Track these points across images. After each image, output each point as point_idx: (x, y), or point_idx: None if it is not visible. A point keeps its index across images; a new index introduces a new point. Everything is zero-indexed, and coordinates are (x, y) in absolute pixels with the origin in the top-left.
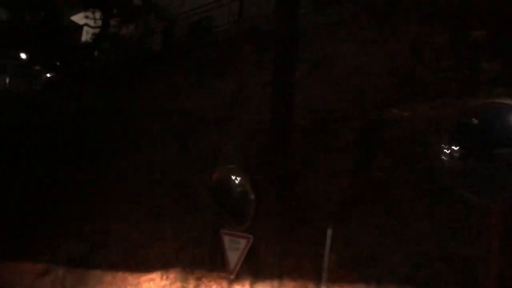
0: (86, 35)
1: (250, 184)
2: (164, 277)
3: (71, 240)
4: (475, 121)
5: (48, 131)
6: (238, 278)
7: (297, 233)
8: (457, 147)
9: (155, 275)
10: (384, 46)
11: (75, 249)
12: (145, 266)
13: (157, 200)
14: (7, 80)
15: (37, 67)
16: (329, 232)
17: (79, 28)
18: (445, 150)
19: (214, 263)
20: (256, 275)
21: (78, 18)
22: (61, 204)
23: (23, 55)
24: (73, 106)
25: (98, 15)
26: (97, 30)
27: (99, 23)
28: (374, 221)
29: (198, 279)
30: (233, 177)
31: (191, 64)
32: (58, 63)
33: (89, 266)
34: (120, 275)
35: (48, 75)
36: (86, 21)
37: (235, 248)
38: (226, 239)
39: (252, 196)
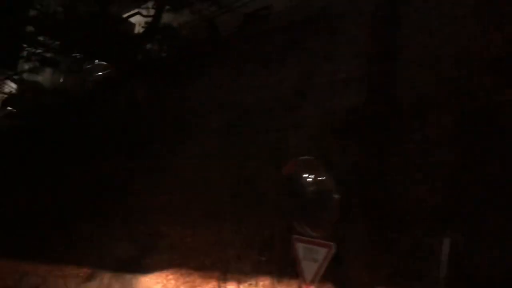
0: (138, 27)
1: (332, 181)
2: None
3: (118, 242)
4: None
5: (99, 127)
6: None
7: (392, 243)
8: None
9: (212, 285)
10: None
11: (123, 252)
12: (200, 274)
13: (214, 199)
14: (61, 78)
15: (89, 66)
16: (446, 242)
17: (131, 24)
18: None
19: (282, 274)
20: None
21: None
22: (109, 203)
23: (76, 53)
24: (124, 101)
25: (151, 3)
26: (149, 19)
27: (152, 12)
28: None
29: None
30: (309, 173)
31: (248, 54)
32: (110, 57)
33: (137, 271)
34: (172, 283)
35: (100, 73)
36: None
37: (313, 258)
38: (301, 247)
39: (336, 196)
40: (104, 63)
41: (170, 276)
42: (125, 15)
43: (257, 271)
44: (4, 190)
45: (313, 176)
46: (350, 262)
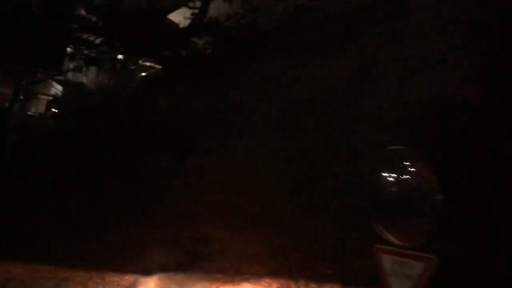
0: (184, 21)
1: (428, 179)
2: None
3: (163, 247)
4: None
5: (142, 127)
6: None
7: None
8: None
9: None
10: None
11: (169, 258)
12: (254, 284)
13: (266, 201)
14: (105, 79)
15: (133, 67)
16: None
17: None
18: None
19: None
20: None
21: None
22: (153, 204)
23: (120, 49)
24: (168, 99)
25: None
26: (195, 11)
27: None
28: None
29: None
30: (393, 168)
31: (301, 45)
32: (154, 53)
33: (185, 280)
34: None
35: (143, 73)
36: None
37: (404, 273)
38: (388, 260)
39: (437, 198)
40: (148, 64)
41: (221, 287)
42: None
43: (321, 286)
44: (44, 192)
45: (402, 172)
46: (457, 280)
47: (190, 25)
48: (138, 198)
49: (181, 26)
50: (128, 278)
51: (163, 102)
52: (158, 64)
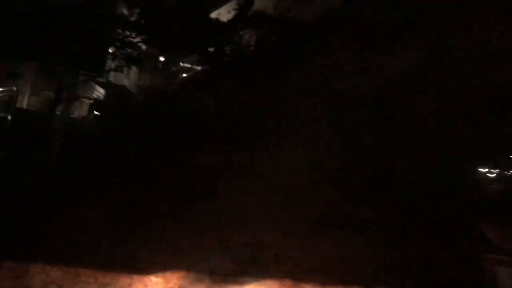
0: (228, 15)
1: None
2: None
3: (210, 253)
4: None
5: (186, 127)
6: None
7: None
8: None
9: None
10: None
11: (217, 265)
12: None
13: (327, 201)
14: (146, 82)
15: (174, 68)
16: None
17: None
18: None
19: None
20: None
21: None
22: (198, 207)
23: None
24: (212, 98)
25: None
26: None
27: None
28: None
29: None
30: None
31: (357, 35)
32: (197, 49)
33: None
34: None
35: (184, 74)
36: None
37: None
38: (504, 273)
39: None
40: (188, 65)
41: None
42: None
43: None
44: (86, 193)
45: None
46: None
47: (234, 18)
48: (183, 199)
49: (224, 20)
50: (173, 286)
51: (206, 100)
52: (200, 62)
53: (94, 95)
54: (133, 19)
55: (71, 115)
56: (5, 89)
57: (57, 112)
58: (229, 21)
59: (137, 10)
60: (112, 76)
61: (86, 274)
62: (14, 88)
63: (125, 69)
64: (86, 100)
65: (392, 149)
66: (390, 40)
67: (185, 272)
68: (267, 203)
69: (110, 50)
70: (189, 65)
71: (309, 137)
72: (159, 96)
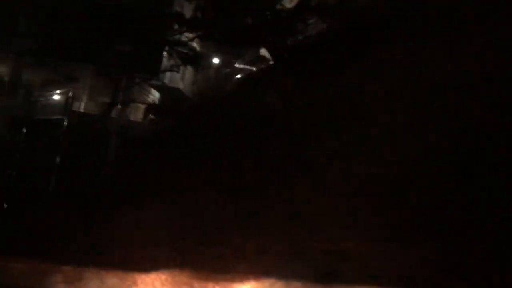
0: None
1: None
2: None
3: (283, 260)
4: None
5: (243, 127)
6: None
7: None
8: None
9: None
10: None
11: (292, 275)
12: None
13: (414, 203)
14: (199, 82)
15: (228, 70)
16: None
17: None
18: None
19: None
20: None
21: None
22: (264, 208)
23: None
24: (271, 98)
25: None
26: None
27: None
28: None
29: None
30: None
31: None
32: (257, 42)
33: None
34: None
35: (238, 75)
36: None
37: None
38: None
39: None
40: (242, 66)
41: None
42: None
43: None
44: (145, 198)
45: None
46: None
47: (296, 7)
48: (243, 202)
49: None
50: None
51: (270, 98)
52: (256, 61)
53: (149, 99)
54: (188, 15)
55: (127, 119)
56: (62, 91)
57: (113, 116)
58: (292, 10)
59: (193, 3)
60: (167, 79)
61: (145, 282)
62: (70, 92)
63: (180, 70)
64: (141, 105)
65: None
66: (472, 22)
67: (254, 282)
68: (349, 208)
69: (165, 52)
70: (244, 66)
71: (392, 133)
72: (216, 97)
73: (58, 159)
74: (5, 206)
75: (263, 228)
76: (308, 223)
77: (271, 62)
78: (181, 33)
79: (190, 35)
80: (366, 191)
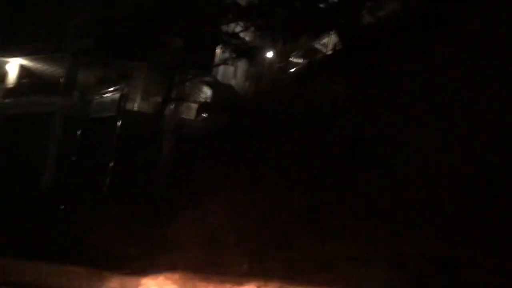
0: None
1: None
2: None
3: (373, 264)
4: None
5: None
6: None
7: None
8: None
9: None
10: None
11: (381, 281)
12: None
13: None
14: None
15: (281, 64)
16: None
17: None
18: None
19: None
20: None
21: None
22: (346, 216)
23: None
24: (335, 88)
25: None
26: None
27: None
28: None
29: None
30: None
31: None
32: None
33: None
34: None
35: (292, 70)
36: None
37: None
38: None
39: None
40: (295, 60)
41: None
42: None
43: None
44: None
45: None
46: None
47: None
48: (321, 207)
49: None
50: None
51: (333, 87)
52: (310, 53)
53: (201, 97)
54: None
55: (180, 117)
56: (115, 88)
57: (166, 114)
58: None
59: None
60: (219, 75)
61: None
62: (124, 90)
63: (233, 65)
64: (194, 104)
65: None
66: None
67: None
68: (440, 208)
69: (217, 46)
70: (295, 59)
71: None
72: (272, 91)
73: (113, 158)
74: (62, 207)
75: (338, 228)
76: (398, 227)
77: (339, 48)
78: (236, 22)
79: (245, 25)
80: (454, 191)
